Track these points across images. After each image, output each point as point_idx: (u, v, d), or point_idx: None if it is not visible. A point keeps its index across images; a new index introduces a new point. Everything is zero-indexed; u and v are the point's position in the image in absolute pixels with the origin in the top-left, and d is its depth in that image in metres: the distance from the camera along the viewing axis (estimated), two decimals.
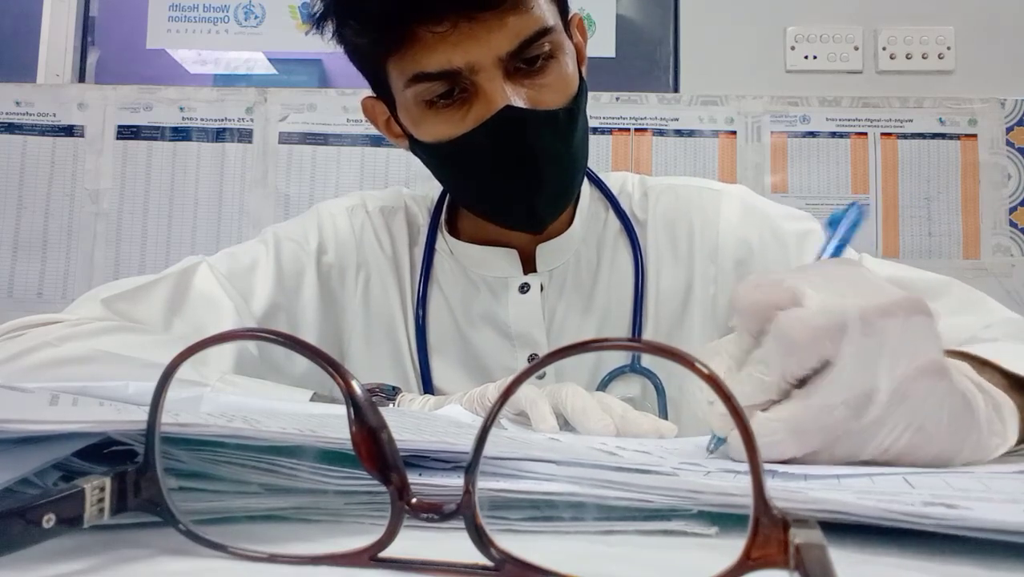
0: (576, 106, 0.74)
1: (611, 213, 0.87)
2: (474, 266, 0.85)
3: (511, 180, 0.73)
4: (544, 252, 0.84)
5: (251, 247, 0.85)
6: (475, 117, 0.70)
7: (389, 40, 0.69)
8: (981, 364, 0.49)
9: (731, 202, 0.86)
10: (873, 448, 0.38)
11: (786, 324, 0.39)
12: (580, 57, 0.80)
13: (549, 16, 0.71)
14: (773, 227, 0.84)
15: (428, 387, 0.83)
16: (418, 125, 0.74)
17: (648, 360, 0.81)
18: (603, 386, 0.80)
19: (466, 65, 0.68)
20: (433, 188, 0.90)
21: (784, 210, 0.88)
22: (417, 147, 0.77)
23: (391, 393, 0.68)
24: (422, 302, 0.85)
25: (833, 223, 0.48)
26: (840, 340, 0.38)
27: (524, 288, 0.83)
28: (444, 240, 0.87)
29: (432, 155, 0.76)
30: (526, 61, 0.70)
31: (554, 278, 0.84)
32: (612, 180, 0.90)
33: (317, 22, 0.74)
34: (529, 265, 0.84)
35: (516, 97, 0.69)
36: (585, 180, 0.87)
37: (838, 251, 0.47)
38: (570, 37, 0.77)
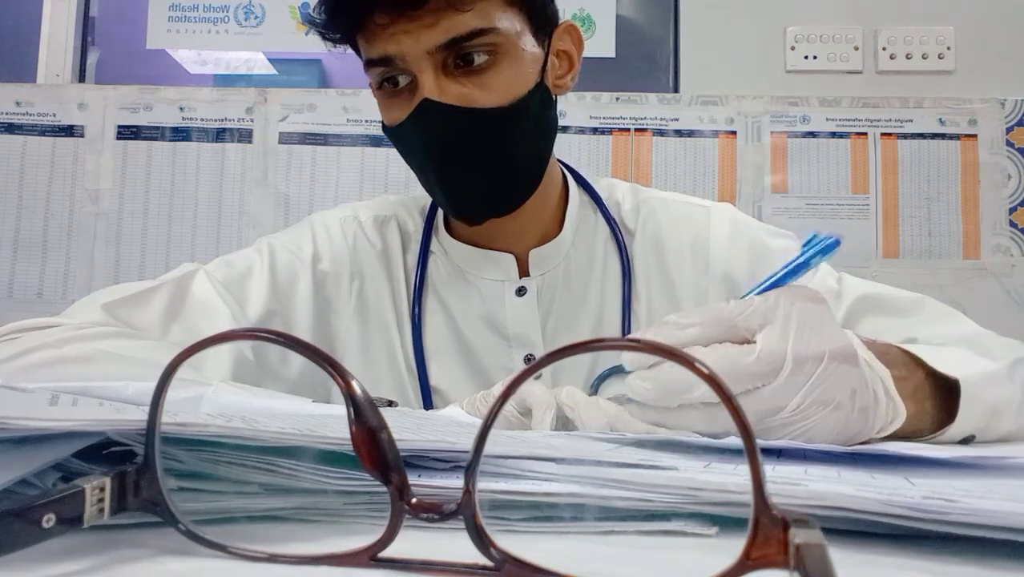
0: (519, 108, 0.77)
1: (600, 218, 0.90)
2: (471, 269, 0.87)
3: (436, 169, 0.78)
4: (537, 257, 0.87)
5: (246, 255, 0.87)
6: (413, 105, 0.75)
7: (347, 28, 0.78)
8: (916, 365, 0.57)
9: (720, 219, 0.90)
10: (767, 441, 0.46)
11: (734, 364, 0.47)
12: (570, 63, 0.83)
13: (498, 20, 0.75)
14: (760, 243, 0.88)
15: (425, 388, 0.84)
16: (381, 108, 0.81)
17: None
18: (596, 386, 0.82)
19: (398, 54, 0.74)
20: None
21: (768, 228, 0.92)
22: (383, 129, 0.82)
23: (387, 406, 0.68)
24: (418, 302, 0.86)
25: (807, 244, 0.55)
26: (771, 378, 0.47)
27: (521, 291, 0.86)
28: (439, 242, 0.89)
29: (390, 137, 0.81)
30: (463, 59, 0.75)
31: (547, 281, 0.87)
32: (601, 186, 0.93)
33: (313, 15, 0.80)
34: (522, 267, 0.87)
35: (444, 92, 0.74)
36: (573, 185, 0.91)
37: (798, 269, 0.54)
38: (544, 44, 0.80)
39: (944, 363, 0.57)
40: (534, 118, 0.79)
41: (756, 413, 0.47)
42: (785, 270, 0.53)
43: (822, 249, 0.53)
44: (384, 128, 0.81)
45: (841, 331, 0.50)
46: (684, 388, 0.48)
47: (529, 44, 0.78)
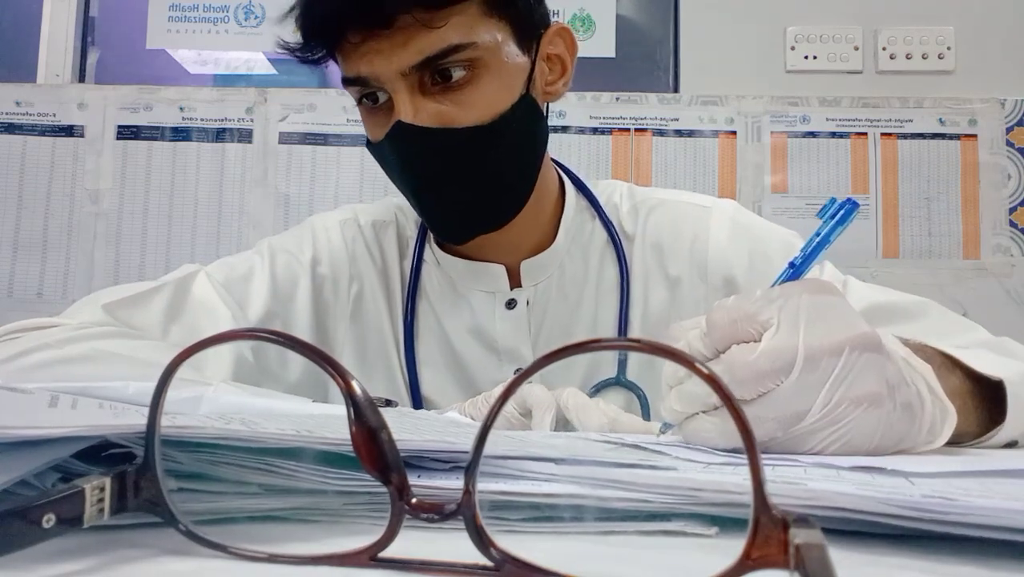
0: (501, 124, 0.74)
1: (597, 223, 0.87)
2: (461, 280, 0.86)
3: (413, 191, 0.77)
4: (529, 268, 0.84)
5: (247, 257, 0.87)
6: (390, 124, 0.74)
7: (325, 48, 0.77)
8: (953, 365, 0.53)
9: (721, 220, 0.86)
10: (804, 451, 0.43)
11: (734, 363, 0.43)
12: (562, 68, 0.81)
13: (477, 33, 0.72)
14: (761, 245, 0.85)
15: (417, 397, 0.84)
16: (364, 124, 0.80)
17: (634, 374, 0.82)
18: (592, 396, 0.81)
19: (371, 75, 0.73)
20: None
21: (771, 227, 0.89)
22: (367, 145, 0.81)
23: (387, 406, 0.68)
24: (410, 314, 0.86)
25: (823, 214, 0.48)
26: (782, 377, 0.42)
27: (511, 304, 0.84)
28: (432, 252, 0.88)
29: (373, 154, 0.80)
30: (440, 76, 0.72)
31: (539, 292, 0.84)
32: (600, 188, 0.90)
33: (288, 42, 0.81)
34: (514, 278, 0.84)
35: (420, 112, 0.72)
36: (570, 188, 0.88)
37: (817, 250, 0.48)
38: (530, 51, 0.78)
39: (981, 363, 0.53)
40: (519, 132, 0.76)
41: (778, 421, 0.42)
42: (803, 254, 0.48)
43: (839, 219, 0.47)
44: (367, 144, 0.80)
45: (860, 319, 0.44)
46: (702, 396, 0.44)
47: (513, 54, 0.75)
